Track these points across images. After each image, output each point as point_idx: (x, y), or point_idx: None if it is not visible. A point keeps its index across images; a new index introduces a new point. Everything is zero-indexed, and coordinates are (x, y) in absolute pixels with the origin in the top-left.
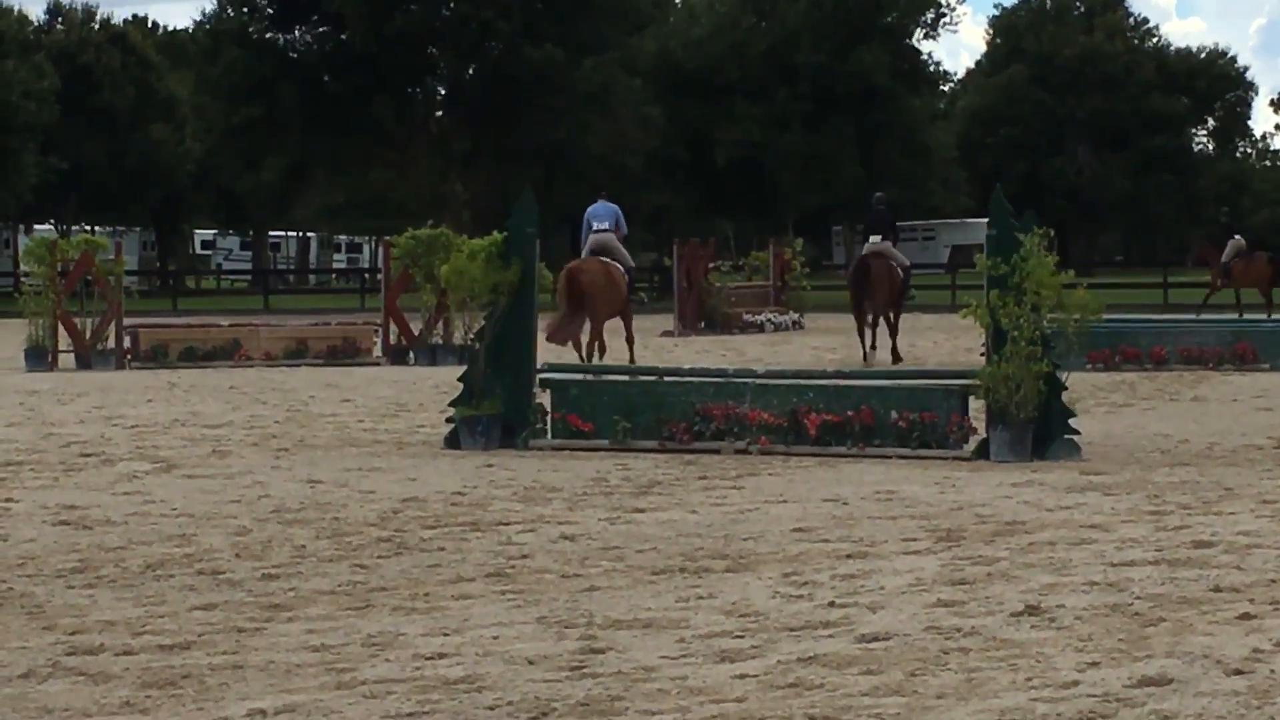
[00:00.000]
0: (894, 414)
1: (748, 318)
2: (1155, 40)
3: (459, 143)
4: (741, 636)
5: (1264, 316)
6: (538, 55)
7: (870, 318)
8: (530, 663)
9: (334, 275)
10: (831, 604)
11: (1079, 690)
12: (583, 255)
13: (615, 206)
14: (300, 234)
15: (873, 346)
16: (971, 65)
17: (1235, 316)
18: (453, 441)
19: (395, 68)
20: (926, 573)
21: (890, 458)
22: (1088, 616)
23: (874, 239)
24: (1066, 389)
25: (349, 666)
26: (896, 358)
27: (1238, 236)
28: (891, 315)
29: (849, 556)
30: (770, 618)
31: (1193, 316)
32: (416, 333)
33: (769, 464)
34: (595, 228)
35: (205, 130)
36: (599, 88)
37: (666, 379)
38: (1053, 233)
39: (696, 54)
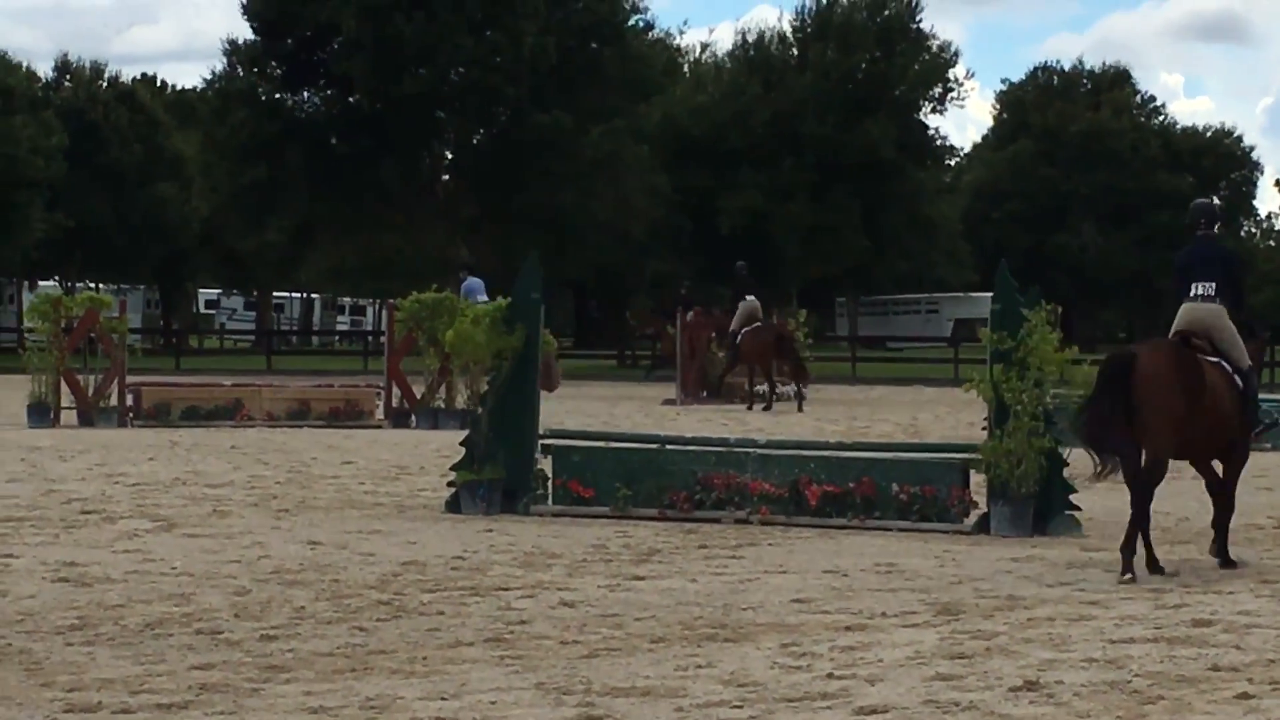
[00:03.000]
0: (895, 486)
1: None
2: (1162, 118)
3: (465, 207)
4: (740, 706)
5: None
6: (545, 121)
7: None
8: None
9: (337, 337)
10: (830, 675)
11: None
12: None
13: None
14: (304, 295)
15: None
16: (978, 139)
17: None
18: (453, 505)
19: (402, 131)
20: (925, 646)
21: (891, 530)
22: (1086, 693)
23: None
24: (1068, 465)
25: None
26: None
27: (750, 297)
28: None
29: (848, 628)
30: (769, 688)
31: None
32: (419, 396)
33: (769, 534)
34: (481, 299)
35: (211, 189)
36: (606, 155)
37: (668, 447)
38: (1059, 309)
39: (701, 121)
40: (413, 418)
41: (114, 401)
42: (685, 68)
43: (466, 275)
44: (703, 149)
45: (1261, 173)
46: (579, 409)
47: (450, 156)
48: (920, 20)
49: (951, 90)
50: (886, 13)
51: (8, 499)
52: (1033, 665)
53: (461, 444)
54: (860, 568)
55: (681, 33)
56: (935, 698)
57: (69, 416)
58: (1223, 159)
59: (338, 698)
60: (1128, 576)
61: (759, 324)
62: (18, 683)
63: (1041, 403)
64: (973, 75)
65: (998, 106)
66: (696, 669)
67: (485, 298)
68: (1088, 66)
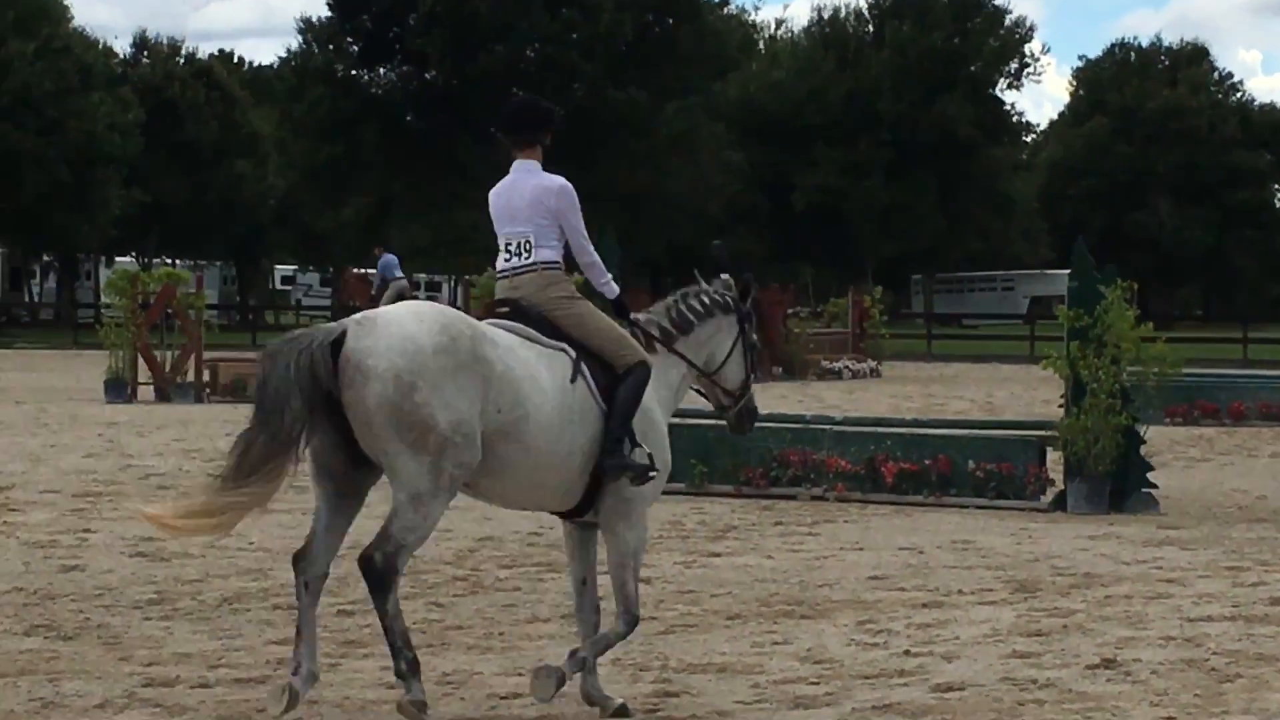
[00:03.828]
0: (971, 464)
1: (825, 364)
2: (1239, 95)
3: None
4: (816, 683)
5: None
6: (621, 98)
7: None
8: None
9: None
10: (907, 653)
11: None
12: (384, 301)
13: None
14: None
15: None
16: (1054, 116)
17: None
18: None
19: (478, 108)
20: (1002, 623)
21: (967, 507)
22: (1164, 671)
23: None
24: (1145, 442)
25: None
26: None
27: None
28: None
29: (924, 605)
30: (845, 665)
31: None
32: None
33: (845, 511)
34: (397, 275)
35: (288, 167)
36: (682, 132)
37: None
38: (1135, 286)
39: (777, 98)
40: None
41: (191, 377)
42: (760, 44)
43: (382, 252)
44: (778, 126)
45: None
46: None
47: None
48: None
49: (1028, 66)
50: None
51: (86, 474)
52: (1110, 643)
53: None
54: (937, 545)
55: (757, 9)
56: (1012, 675)
57: (146, 392)
58: None
59: None
60: None
61: None
62: (96, 657)
63: (1118, 380)
64: (1048, 50)
65: (1074, 83)
66: (773, 646)
67: (400, 274)
68: (1165, 43)
